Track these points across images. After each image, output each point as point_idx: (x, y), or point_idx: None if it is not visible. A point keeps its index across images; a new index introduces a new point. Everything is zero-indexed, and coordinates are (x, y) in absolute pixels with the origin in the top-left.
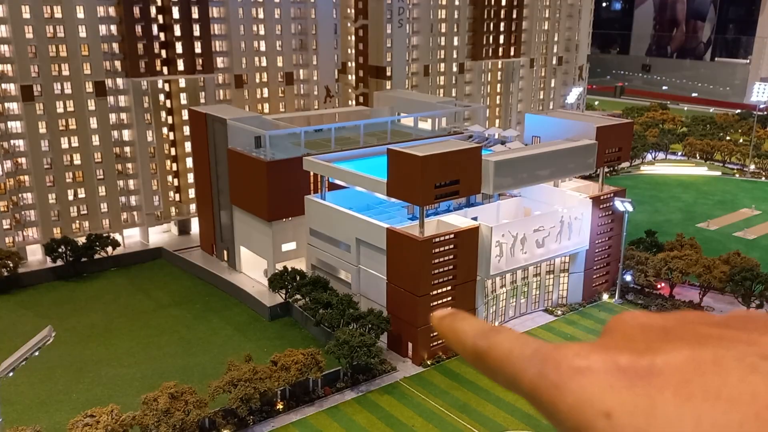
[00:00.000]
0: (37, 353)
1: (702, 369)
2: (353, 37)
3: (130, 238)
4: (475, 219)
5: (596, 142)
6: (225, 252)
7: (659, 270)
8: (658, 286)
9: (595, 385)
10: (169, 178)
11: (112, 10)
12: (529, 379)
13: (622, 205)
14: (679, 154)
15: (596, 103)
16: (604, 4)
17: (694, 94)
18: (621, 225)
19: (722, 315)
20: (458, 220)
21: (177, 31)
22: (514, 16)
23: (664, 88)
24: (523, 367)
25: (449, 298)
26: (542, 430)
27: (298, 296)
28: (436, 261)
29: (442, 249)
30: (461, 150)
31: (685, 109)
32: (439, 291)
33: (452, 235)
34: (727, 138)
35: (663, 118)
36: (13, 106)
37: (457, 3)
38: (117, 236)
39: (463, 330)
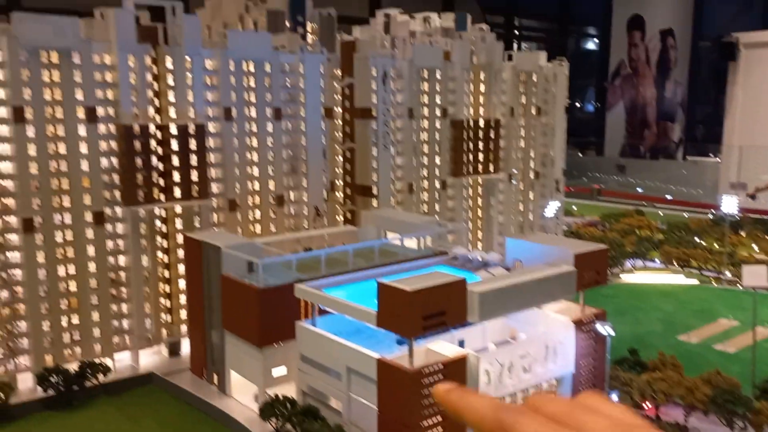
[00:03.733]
0: None
1: None
2: (341, 158)
3: (121, 361)
4: (461, 342)
5: (575, 269)
6: (215, 375)
7: (644, 391)
8: (645, 408)
9: None
10: (162, 300)
11: (114, 144)
12: None
13: (603, 329)
14: (657, 261)
15: (574, 207)
16: (577, 104)
17: (668, 196)
18: (604, 347)
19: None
20: (447, 348)
21: (175, 161)
22: (492, 135)
23: (639, 190)
24: None
25: (440, 428)
26: None
27: (288, 426)
28: (427, 391)
29: (431, 379)
30: (448, 283)
31: (661, 213)
32: (430, 422)
33: (441, 365)
34: (703, 243)
35: (639, 224)
36: (14, 238)
37: (438, 126)
38: (108, 361)
39: (479, 402)
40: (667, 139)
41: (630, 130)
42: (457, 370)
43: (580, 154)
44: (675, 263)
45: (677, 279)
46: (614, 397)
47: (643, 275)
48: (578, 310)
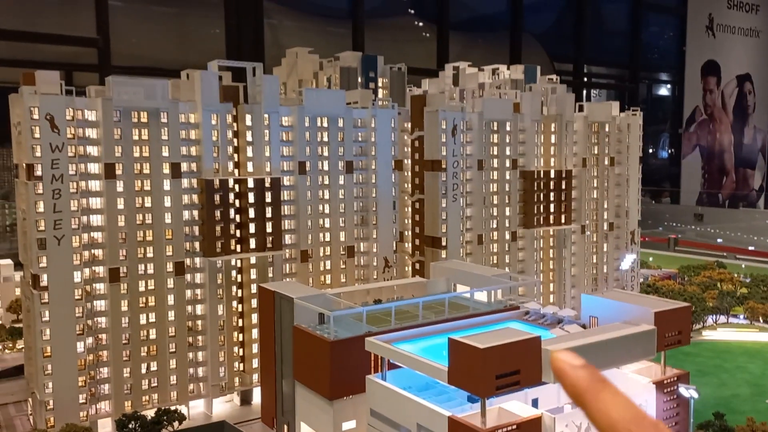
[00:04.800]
0: None
1: None
2: (410, 209)
3: (194, 408)
4: (535, 401)
5: (655, 328)
6: (285, 426)
7: None
8: None
9: None
10: (235, 348)
11: (195, 198)
12: None
13: (686, 391)
14: (741, 317)
15: (650, 259)
16: (651, 151)
17: (751, 247)
18: (686, 410)
19: None
20: (520, 407)
21: (251, 213)
22: (563, 187)
23: (719, 240)
24: None
25: None
26: None
27: None
28: None
29: None
30: (521, 341)
31: (743, 266)
32: None
33: (515, 426)
34: None
35: (720, 277)
36: (100, 287)
37: (507, 177)
38: (183, 408)
39: (614, 404)
40: (748, 186)
41: (707, 178)
42: (531, 431)
43: (654, 202)
44: (761, 320)
45: (764, 337)
46: None
47: (727, 332)
48: (659, 370)
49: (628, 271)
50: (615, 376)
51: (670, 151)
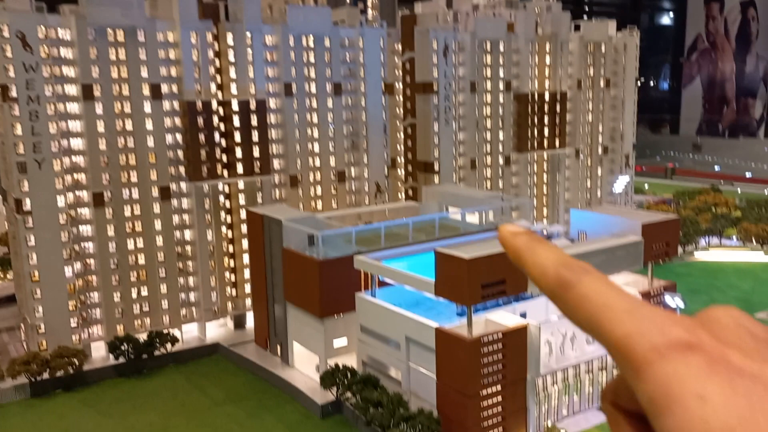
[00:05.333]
0: None
1: None
2: (402, 135)
3: (188, 332)
4: (523, 315)
5: (642, 239)
6: (278, 347)
7: None
8: None
9: (699, 365)
10: (227, 273)
11: (177, 121)
12: (625, 333)
13: (672, 300)
14: (734, 239)
15: (646, 186)
16: (651, 83)
17: (748, 174)
18: None
19: None
20: (506, 317)
21: (237, 137)
22: (558, 109)
23: (716, 168)
24: (620, 317)
25: (499, 398)
26: None
27: (349, 394)
28: (486, 360)
29: (490, 348)
30: None
31: (739, 191)
32: (489, 390)
33: (500, 335)
34: None
35: (715, 201)
36: (85, 212)
37: (501, 100)
38: (176, 332)
39: (545, 254)
40: (748, 116)
41: (707, 107)
42: (517, 340)
43: (652, 133)
44: (754, 240)
45: (756, 257)
46: None
47: (719, 253)
48: (646, 282)
49: (622, 193)
50: None
51: (671, 82)
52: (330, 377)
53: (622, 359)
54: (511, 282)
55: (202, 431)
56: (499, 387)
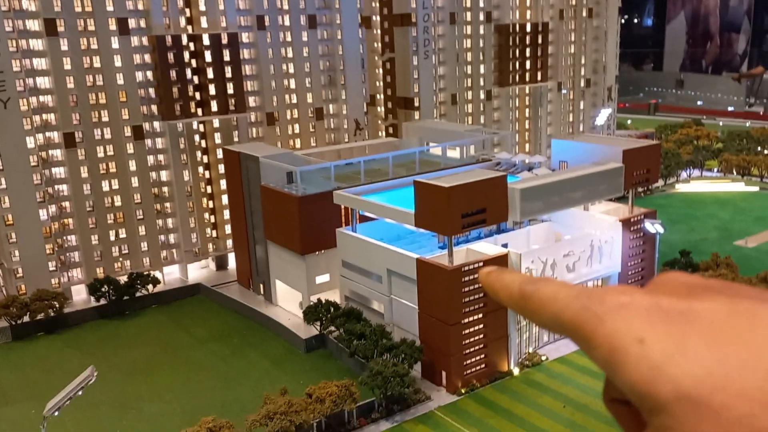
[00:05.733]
0: (80, 392)
1: (736, 318)
2: (381, 70)
3: (170, 275)
4: (505, 246)
5: (623, 165)
6: (261, 286)
7: None
8: None
9: (634, 317)
10: (206, 215)
11: (147, 57)
12: (573, 312)
13: (652, 226)
14: (715, 170)
15: (629, 122)
16: (635, 20)
17: (730, 108)
18: (653, 247)
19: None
20: (487, 247)
21: (210, 73)
22: (539, 41)
23: (699, 103)
24: (568, 303)
25: (481, 326)
26: None
27: (332, 328)
28: (467, 289)
29: (471, 277)
30: (486, 179)
31: (721, 124)
32: (471, 319)
33: (481, 263)
34: (765, 152)
35: (697, 134)
36: (57, 153)
37: (481, 32)
38: (157, 274)
39: (510, 278)
40: (731, 51)
41: (691, 43)
42: None
43: (636, 70)
44: (735, 171)
45: (736, 187)
46: None
47: (700, 184)
48: (627, 210)
49: (604, 126)
50: (583, 218)
51: (655, 18)
52: (313, 312)
53: (578, 339)
54: (492, 210)
55: (187, 368)
56: (480, 315)
